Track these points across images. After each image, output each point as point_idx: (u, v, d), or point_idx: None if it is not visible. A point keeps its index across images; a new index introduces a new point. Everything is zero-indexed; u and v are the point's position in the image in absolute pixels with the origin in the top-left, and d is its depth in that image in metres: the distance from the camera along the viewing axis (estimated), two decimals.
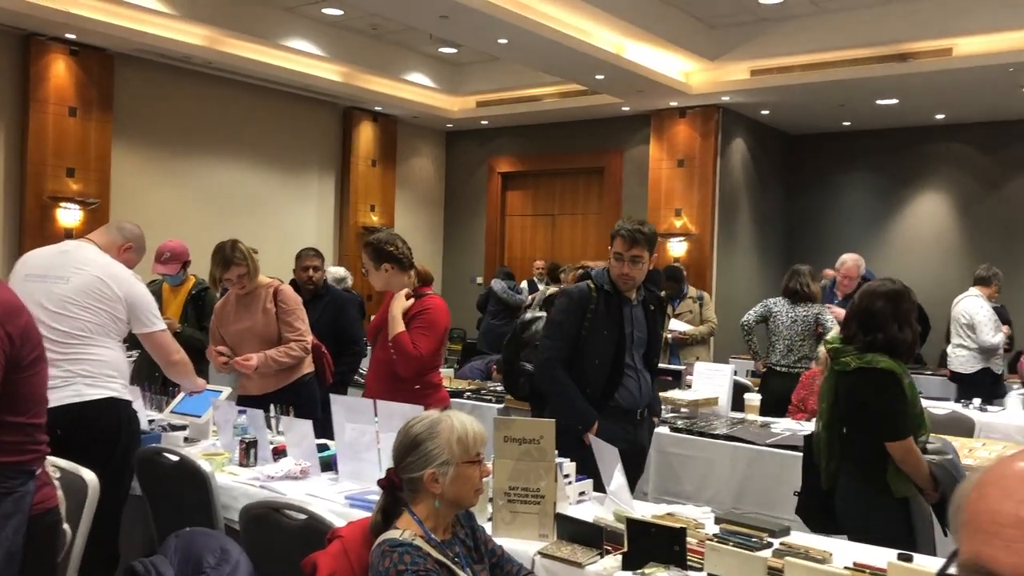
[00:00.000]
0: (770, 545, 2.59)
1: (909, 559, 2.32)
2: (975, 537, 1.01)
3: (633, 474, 3.64)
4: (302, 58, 10.02)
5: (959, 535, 1.04)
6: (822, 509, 3.30)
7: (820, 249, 10.94)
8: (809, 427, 4.91)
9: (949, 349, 7.15)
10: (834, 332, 5.30)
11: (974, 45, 8.42)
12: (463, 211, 13.35)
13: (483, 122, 12.57)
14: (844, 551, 2.58)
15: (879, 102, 10.23)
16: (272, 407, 3.96)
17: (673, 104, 10.62)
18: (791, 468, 4.35)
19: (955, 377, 7.04)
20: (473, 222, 13.25)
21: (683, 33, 9.26)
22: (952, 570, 1.08)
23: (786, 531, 2.72)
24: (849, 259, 6.74)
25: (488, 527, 2.64)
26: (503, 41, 8.49)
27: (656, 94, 10.19)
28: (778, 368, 6.02)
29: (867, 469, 3.14)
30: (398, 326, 3.79)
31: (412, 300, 3.88)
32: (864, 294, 3.27)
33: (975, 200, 11.33)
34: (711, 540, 2.55)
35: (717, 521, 2.85)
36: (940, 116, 11.02)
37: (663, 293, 6.70)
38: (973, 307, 6.89)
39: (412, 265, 3.98)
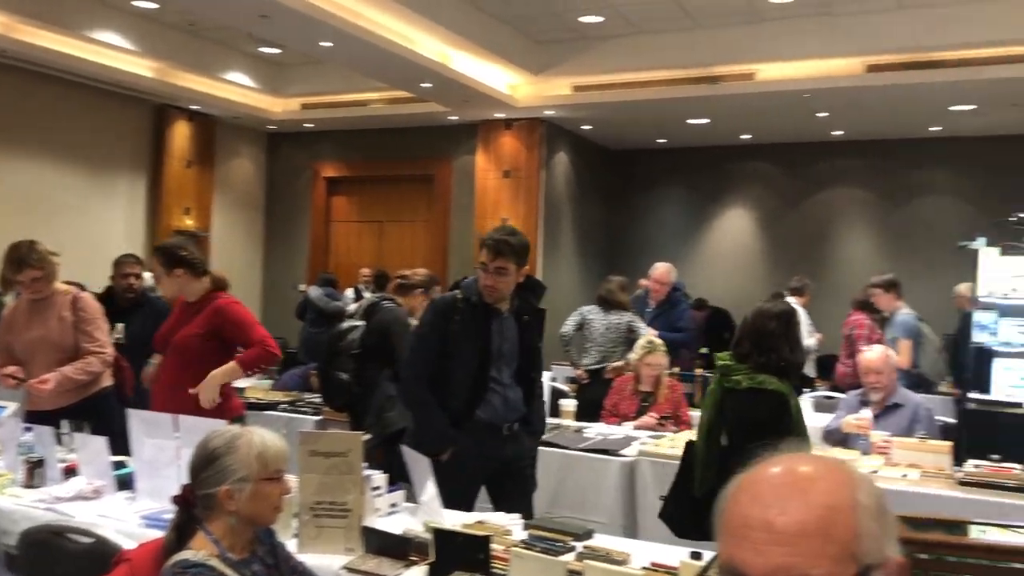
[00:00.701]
0: (573, 549, 2.66)
1: (699, 557, 2.44)
2: (728, 540, 1.07)
3: (519, 489, 3.64)
4: (111, 52, 9.45)
5: (719, 539, 1.10)
6: (691, 515, 3.37)
7: (639, 259, 11.39)
8: (622, 431, 5.11)
9: None
10: (644, 340, 5.55)
11: (774, 71, 9.04)
12: (286, 216, 13.00)
13: (308, 125, 12.30)
14: (644, 552, 2.69)
15: (690, 121, 10.79)
16: (65, 423, 3.70)
17: (499, 115, 10.78)
18: (603, 472, 4.51)
19: None
20: (297, 228, 12.92)
21: (508, 46, 9.43)
22: (712, 573, 1.14)
23: (589, 534, 2.80)
24: (661, 267, 7.07)
25: (293, 543, 2.57)
26: (326, 44, 8.34)
27: (482, 105, 10.31)
28: (591, 371, 6.22)
29: None
30: (232, 374, 3.74)
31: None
32: (758, 314, 3.36)
33: (777, 216, 12.17)
34: (517, 547, 2.59)
35: (526, 527, 2.90)
36: (746, 136, 11.76)
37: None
38: None
39: (206, 271, 3.87)
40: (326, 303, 8.88)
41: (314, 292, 9.13)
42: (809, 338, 7.34)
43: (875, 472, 3.98)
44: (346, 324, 4.51)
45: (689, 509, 3.39)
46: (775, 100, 9.46)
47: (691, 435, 5.04)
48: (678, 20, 8.81)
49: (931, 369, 6.82)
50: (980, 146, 10.88)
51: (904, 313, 6.42)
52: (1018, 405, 4.36)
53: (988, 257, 4.62)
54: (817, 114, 10.19)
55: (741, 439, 3.24)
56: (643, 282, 7.66)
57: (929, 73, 8.43)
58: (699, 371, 6.68)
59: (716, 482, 3.31)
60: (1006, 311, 4.68)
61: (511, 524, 2.93)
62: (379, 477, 2.99)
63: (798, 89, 9.08)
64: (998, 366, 4.58)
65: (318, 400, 5.40)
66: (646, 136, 11.99)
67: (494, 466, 3.61)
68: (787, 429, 3.16)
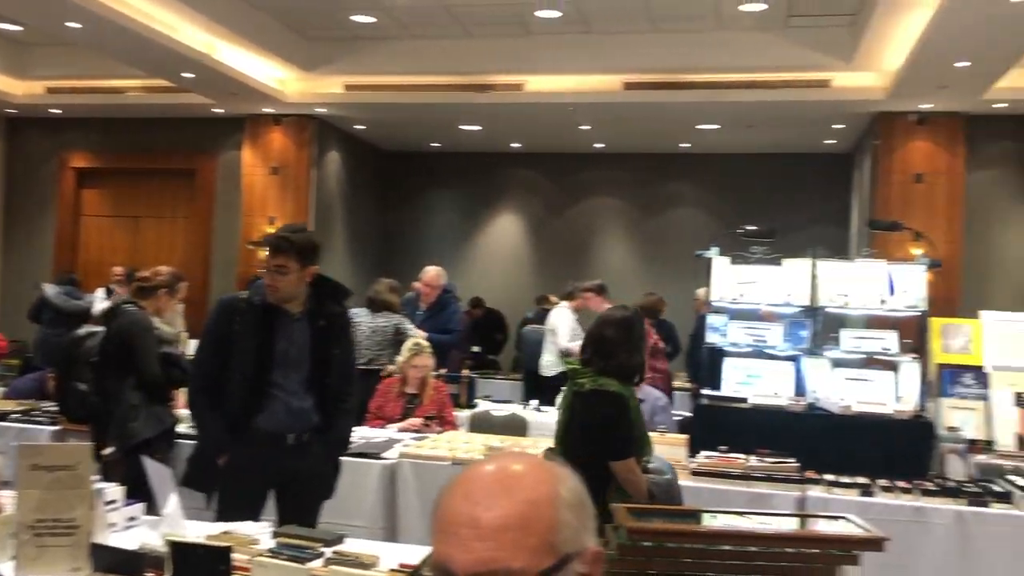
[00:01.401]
0: (322, 555, 2.63)
1: None
2: (439, 537, 1.11)
3: (304, 501, 3.51)
4: None
5: (432, 536, 1.13)
6: None
7: (412, 262, 11.42)
8: (387, 433, 5.11)
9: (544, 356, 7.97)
10: (411, 342, 5.58)
11: (541, 83, 9.40)
12: (28, 209, 11.87)
13: (54, 111, 11.31)
14: (395, 554, 2.70)
15: (463, 127, 10.99)
16: None
17: (268, 110, 10.45)
18: (364, 475, 4.48)
19: (542, 380, 7.74)
20: (40, 221, 11.84)
21: (277, 40, 9.16)
22: (426, 571, 1.17)
23: (340, 539, 2.78)
24: (431, 271, 7.14)
25: (11, 566, 2.36)
26: (75, 25, 7.72)
27: (250, 99, 9.96)
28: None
29: (593, 484, 3.30)
30: None
31: None
32: (599, 322, 3.52)
33: (544, 222, 12.66)
34: (262, 556, 2.53)
35: (274, 535, 2.83)
36: (516, 144, 12.14)
37: None
38: (558, 318, 7.84)
39: None
40: (64, 301, 8.14)
41: (51, 291, 8.36)
42: (572, 342, 7.69)
43: None
44: (83, 330, 4.19)
45: None
46: (542, 111, 9.83)
47: (456, 435, 5.17)
48: (450, 27, 8.95)
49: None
50: (721, 162, 11.89)
51: None
52: (743, 400, 4.80)
53: (720, 265, 5.05)
54: (580, 126, 10.70)
55: (583, 444, 3.36)
56: (415, 284, 7.70)
57: (679, 93, 9.09)
58: (465, 372, 6.81)
59: None
60: (735, 315, 5.14)
61: (259, 533, 2.85)
62: (115, 490, 2.81)
63: (563, 102, 9.50)
64: (728, 365, 5.02)
65: (55, 409, 4.99)
66: (420, 139, 12.07)
67: (278, 477, 3.48)
68: (627, 428, 3.32)
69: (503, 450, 4.44)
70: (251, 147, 10.85)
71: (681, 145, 11.67)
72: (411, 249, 12.44)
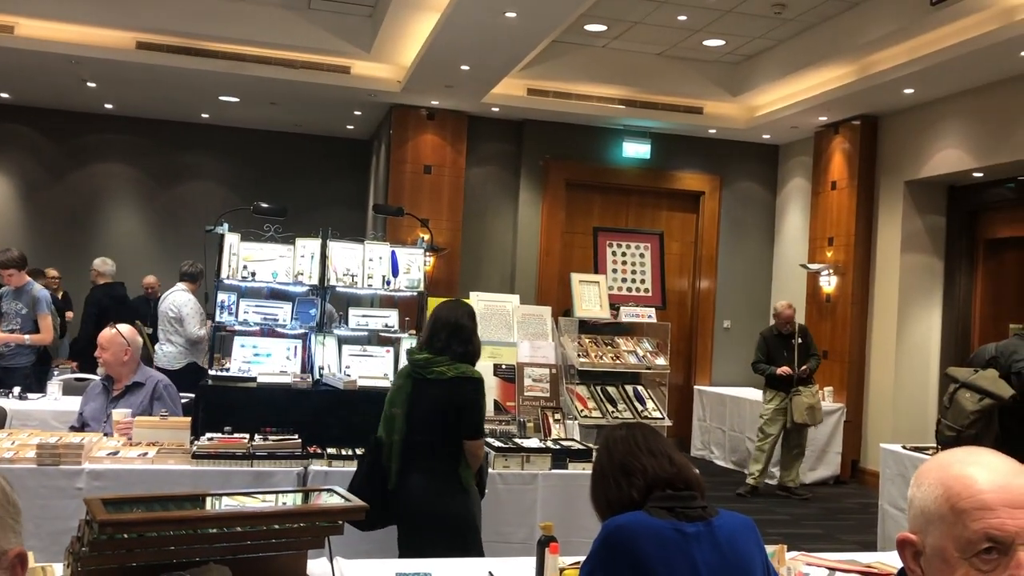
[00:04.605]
0: None
1: None
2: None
3: None
4: None
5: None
6: (382, 507, 3.40)
7: None
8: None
9: (157, 347, 7.21)
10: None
11: (37, 29, 8.32)
12: None
13: None
14: None
15: None
16: None
17: None
18: None
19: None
20: None
21: None
22: None
23: None
24: None
25: None
26: None
27: None
28: None
29: (443, 465, 3.57)
30: None
31: None
32: (453, 311, 3.74)
33: (39, 185, 11.28)
34: None
35: None
36: (4, 95, 10.62)
37: None
38: (180, 301, 7.14)
39: None
40: None
41: None
42: (199, 328, 7.03)
43: (116, 453, 3.94)
44: None
45: (380, 501, 3.40)
46: (38, 60, 8.73)
47: None
48: None
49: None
50: (243, 137, 11.68)
51: (41, 288, 6.68)
52: (252, 379, 4.76)
53: (231, 241, 4.94)
54: (88, 83, 9.72)
55: (439, 427, 3.58)
56: None
57: (197, 60, 8.70)
58: None
59: (410, 473, 3.59)
60: (245, 293, 5.08)
61: None
62: None
63: (65, 53, 8.52)
64: (236, 343, 4.94)
65: None
66: None
67: None
68: (482, 412, 3.66)
69: None
70: None
71: (202, 116, 11.21)
72: None
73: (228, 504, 2.50)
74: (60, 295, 9.08)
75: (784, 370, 8.00)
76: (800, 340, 8.15)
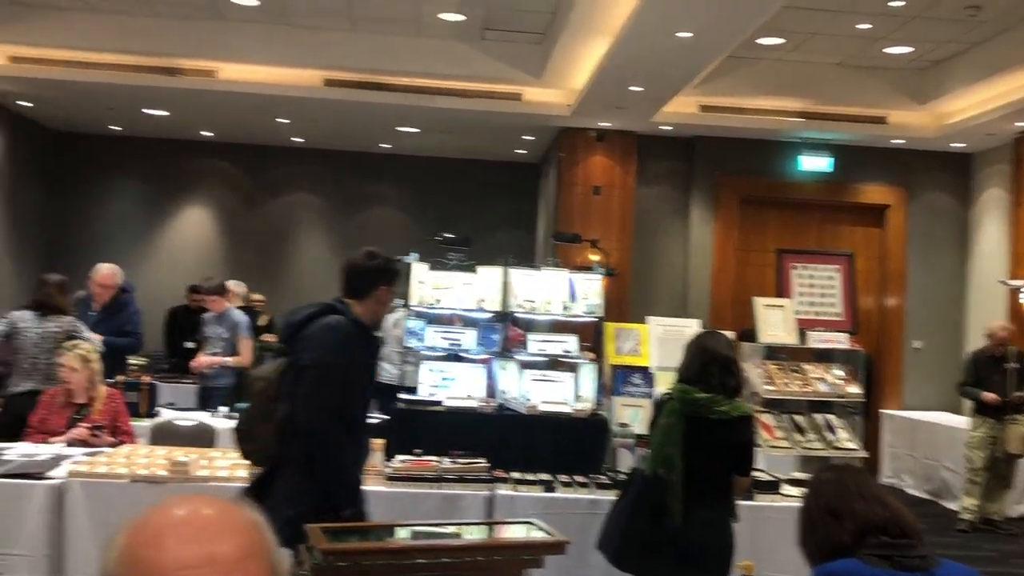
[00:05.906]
0: None
1: None
2: None
3: None
4: None
5: None
6: (654, 548, 3.45)
7: (86, 255, 10.40)
8: (53, 449, 4.60)
9: (386, 365, 7.32)
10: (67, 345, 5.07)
11: (236, 72, 8.99)
12: None
13: None
14: None
15: (147, 111, 10.22)
16: None
17: None
18: (25, 499, 4.02)
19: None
20: None
21: None
22: None
23: None
24: (104, 269, 6.56)
25: None
26: None
27: None
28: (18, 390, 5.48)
29: (723, 499, 3.61)
30: None
31: None
32: (717, 342, 3.66)
33: (237, 215, 12.13)
34: None
35: None
36: (207, 133, 11.51)
37: None
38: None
39: None
40: None
41: None
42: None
43: None
44: None
45: (650, 543, 3.46)
46: (236, 100, 9.41)
47: (134, 448, 4.75)
48: (137, 4, 8.28)
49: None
50: (419, 165, 12.13)
51: (240, 313, 6.96)
52: (438, 403, 4.92)
53: (419, 271, 5.14)
54: (278, 119, 10.39)
55: (723, 464, 3.60)
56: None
57: (379, 94, 9.12)
58: (146, 379, 6.31)
59: (697, 509, 3.53)
60: (432, 319, 5.26)
61: None
62: None
63: (260, 93, 9.16)
64: (424, 368, 5.13)
65: None
66: (97, 121, 11.06)
67: None
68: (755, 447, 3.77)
69: (188, 465, 4.19)
70: None
71: (381, 145, 11.73)
72: (85, 241, 11.38)
73: (420, 535, 2.59)
74: (267, 320, 9.37)
75: (991, 397, 7.42)
76: (1016, 364, 7.53)
